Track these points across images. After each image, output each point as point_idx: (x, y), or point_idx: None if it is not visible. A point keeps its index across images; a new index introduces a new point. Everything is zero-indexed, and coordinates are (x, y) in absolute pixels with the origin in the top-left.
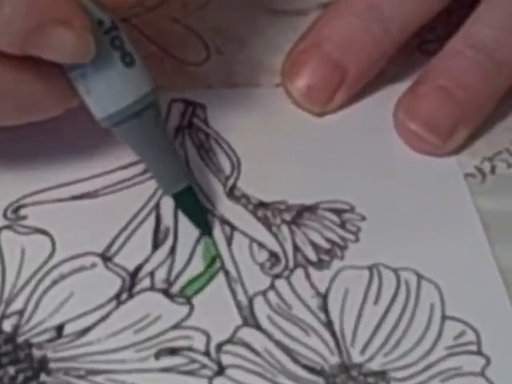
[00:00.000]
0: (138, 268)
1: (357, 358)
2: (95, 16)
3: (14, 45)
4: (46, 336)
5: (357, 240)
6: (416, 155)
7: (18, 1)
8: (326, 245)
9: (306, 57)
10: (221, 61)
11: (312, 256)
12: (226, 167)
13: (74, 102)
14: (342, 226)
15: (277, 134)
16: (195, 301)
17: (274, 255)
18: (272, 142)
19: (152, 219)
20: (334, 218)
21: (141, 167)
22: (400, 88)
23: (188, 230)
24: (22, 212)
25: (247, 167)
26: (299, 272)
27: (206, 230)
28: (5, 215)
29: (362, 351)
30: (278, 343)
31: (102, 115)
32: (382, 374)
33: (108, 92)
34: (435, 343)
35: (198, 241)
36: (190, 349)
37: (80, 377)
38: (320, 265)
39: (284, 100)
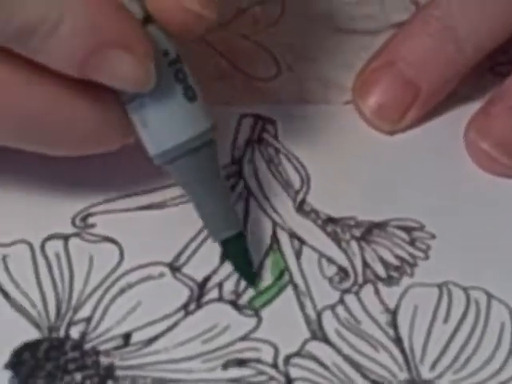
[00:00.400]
0: (207, 279)
1: (426, 374)
2: (161, 46)
3: (71, 65)
4: (113, 344)
5: (426, 258)
6: (487, 176)
7: (81, 18)
8: (395, 261)
9: (379, 75)
10: (291, 77)
11: (381, 272)
12: (296, 182)
13: (129, 137)
14: (412, 243)
15: (346, 151)
16: (263, 313)
17: (342, 270)
18: (341, 158)
19: None
20: (404, 235)
21: None
22: (471, 109)
23: (256, 242)
24: (91, 220)
25: (316, 182)
26: (368, 288)
27: (251, 281)
28: (73, 223)
29: (432, 368)
30: (346, 358)
31: (156, 151)
32: None
33: (166, 126)
34: (505, 362)
35: (266, 253)
36: (258, 360)
37: None
38: (389, 281)
39: (354, 117)
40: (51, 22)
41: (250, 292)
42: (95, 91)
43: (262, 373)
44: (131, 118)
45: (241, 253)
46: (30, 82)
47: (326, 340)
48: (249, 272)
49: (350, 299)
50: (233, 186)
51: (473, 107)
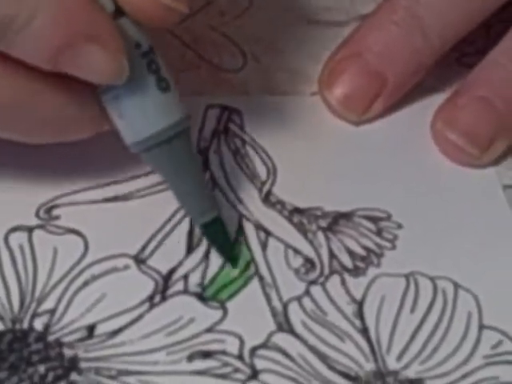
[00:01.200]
0: (172, 271)
1: (393, 365)
2: (133, 38)
3: (44, 59)
4: (77, 335)
5: (393, 248)
6: (454, 166)
7: (51, 13)
8: (362, 252)
9: (345, 65)
10: (258, 68)
11: (348, 263)
12: (262, 173)
13: (104, 126)
14: (379, 233)
15: (313, 142)
16: (229, 305)
17: (309, 261)
18: (308, 149)
19: (186, 223)
20: (371, 225)
21: None
22: (438, 100)
23: None
24: (55, 212)
25: (283, 173)
26: (335, 278)
27: (232, 262)
28: (37, 215)
29: (398, 358)
30: (312, 349)
31: (133, 140)
32: (418, 381)
33: (141, 116)
34: (472, 352)
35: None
36: (223, 352)
37: (111, 377)
38: (356, 272)
39: (320, 108)
40: (24, 18)
41: (216, 284)
42: (69, 81)
43: (227, 364)
44: (107, 109)
45: (220, 235)
46: (2, 72)
47: (292, 331)
48: (229, 253)
49: (316, 290)
50: None
51: (439, 98)
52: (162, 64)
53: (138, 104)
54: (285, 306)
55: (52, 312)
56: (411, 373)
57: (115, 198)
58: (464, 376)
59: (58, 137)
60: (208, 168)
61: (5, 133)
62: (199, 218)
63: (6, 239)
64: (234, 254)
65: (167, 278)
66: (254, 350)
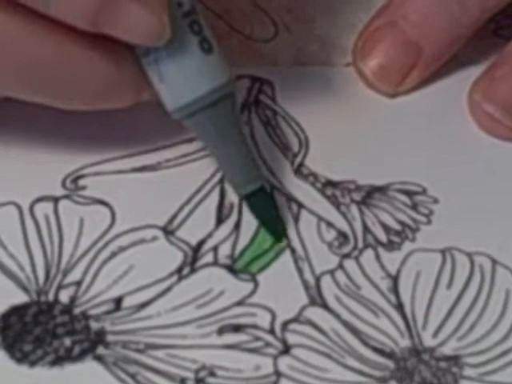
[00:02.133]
0: (201, 242)
1: (429, 341)
2: None
3: (84, 20)
4: (103, 308)
5: (429, 223)
6: (491, 139)
7: None
8: (396, 226)
9: (380, 35)
10: (289, 38)
11: (382, 237)
12: (294, 145)
13: (145, 93)
14: (414, 207)
15: (346, 114)
16: (260, 278)
17: (342, 235)
18: (341, 121)
19: (216, 194)
20: (406, 199)
21: None
22: (475, 72)
23: None
24: (81, 182)
25: (315, 145)
26: (369, 253)
27: (278, 236)
28: (63, 185)
29: (434, 335)
30: (346, 324)
31: (175, 105)
32: (455, 358)
33: (183, 79)
34: (511, 330)
35: None
36: (254, 326)
37: (139, 351)
38: (390, 246)
39: (354, 79)
40: None
41: (247, 257)
42: (109, 44)
43: (258, 339)
44: (147, 73)
45: (265, 207)
46: (40, 31)
47: (324, 306)
48: (275, 226)
49: (349, 264)
50: None
51: (477, 70)
52: (204, 24)
53: (180, 66)
54: (317, 280)
55: (78, 284)
56: (448, 350)
57: (143, 168)
58: (503, 353)
59: (97, 103)
60: None
61: (41, 95)
62: (243, 187)
63: (31, 209)
64: (279, 228)
65: (196, 249)
66: (285, 324)
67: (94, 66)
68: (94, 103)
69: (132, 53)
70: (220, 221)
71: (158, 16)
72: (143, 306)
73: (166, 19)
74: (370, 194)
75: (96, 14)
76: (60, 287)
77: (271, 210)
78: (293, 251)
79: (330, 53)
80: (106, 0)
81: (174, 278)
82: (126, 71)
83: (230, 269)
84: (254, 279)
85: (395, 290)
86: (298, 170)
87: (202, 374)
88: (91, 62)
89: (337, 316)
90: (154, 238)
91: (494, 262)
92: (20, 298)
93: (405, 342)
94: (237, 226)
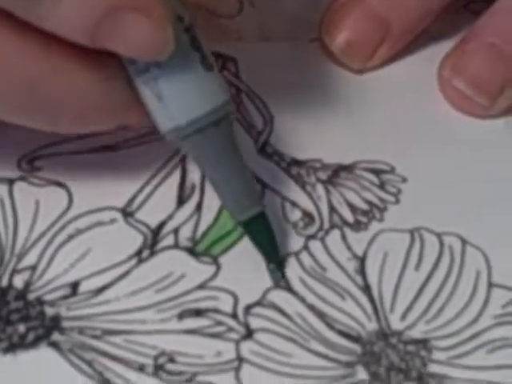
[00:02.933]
0: (161, 224)
1: (396, 324)
2: (175, 10)
3: (82, 32)
4: (59, 293)
5: (397, 202)
6: (461, 116)
7: None
8: (363, 206)
9: (348, 10)
10: (254, 13)
11: (349, 217)
12: (258, 123)
13: (132, 116)
14: (382, 186)
15: (312, 91)
16: (222, 260)
17: (307, 215)
18: (307, 98)
19: (177, 174)
20: (373, 178)
21: None
22: (445, 47)
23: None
24: (38, 163)
25: (280, 123)
26: (335, 233)
27: (276, 262)
28: (19, 166)
29: (402, 318)
30: (311, 307)
31: (170, 126)
32: (423, 342)
33: (184, 98)
34: (481, 312)
35: None
36: (216, 310)
37: (96, 337)
38: (357, 226)
39: (320, 55)
40: None
41: (208, 239)
42: (100, 60)
43: (220, 323)
44: (142, 93)
45: (264, 234)
46: (28, 45)
47: (289, 289)
48: (274, 252)
49: (315, 245)
50: None
51: (447, 45)
52: (203, 41)
53: (182, 84)
54: (282, 262)
55: (33, 268)
56: (416, 333)
57: (101, 149)
58: (473, 336)
59: (81, 125)
60: None
61: (22, 114)
62: (241, 213)
63: None
64: (277, 256)
65: (156, 231)
66: (248, 308)
67: (83, 83)
68: (77, 125)
69: (123, 72)
70: (181, 202)
71: (162, 27)
72: (101, 290)
73: (170, 31)
74: (337, 173)
75: (97, 25)
76: (14, 272)
77: (271, 237)
78: None
79: (294, 28)
80: (107, 10)
81: (133, 262)
82: (115, 91)
83: (191, 251)
84: (215, 262)
85: (362, 271)
86: (263, 149)
87: (162, 360)
88: (80, 78)
89: (301, 299)
90: (113, 221)
91: (464, 242)
92: None
93: (372, 326)
94: (198, 207)
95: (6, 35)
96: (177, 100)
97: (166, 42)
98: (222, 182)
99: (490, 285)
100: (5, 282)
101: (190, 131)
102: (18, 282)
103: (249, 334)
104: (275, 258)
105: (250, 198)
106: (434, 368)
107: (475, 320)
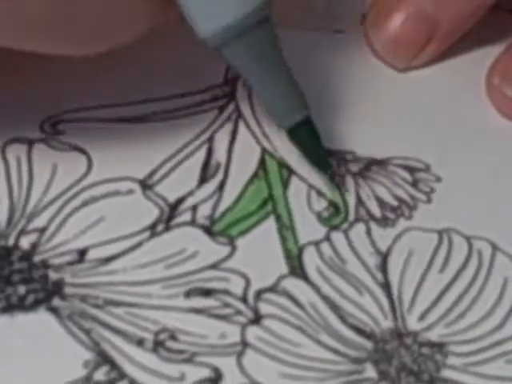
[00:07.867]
0: (180, 200)
1: (413, 325)
2: None
3: None
4: (66, 258)
5: (429, 201)
6: (507, 124)
7: None
8: (393, 202)
9: (395, 5)
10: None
11: (376, 211)
12: None
13: (168, 15)
14: (414, 184)
15: (348, 81)
16: (239, 242)
17: (333, 205)
18: (343, 88)
19: (203, 152)
20: (406, 175)
21: (198, 98)
22: (492, 51)
23: (241, 169)
24: (60, 127)
25: (315, 112)
26: (360, 226)
27: (324, 168)
28: (41, 128)
29: (420, 319)
30: (325, 298)
31: (211, 29)
32: (439, 345)
33: (220, 2)
34: (505, 320)
35: (250, 181)
36: (225, 292)
37: (97, 306)
38: (384, 222)
39: (365, 49)
40: None
41: (228, 219)
42: None
43: (228, 305)
44: None
45: (310, 139)
46: None
47: (304, 277)
48: (320, 159)
49: (337, 237)
50: (222, 106)
51: (493, 50)
52: None
53: None
54: (300, 250)
55: (42, 231)
56: (433, 335)
57: (127, 120)
58: (493, 345)
59: (109, 35)
60: (234, 98)
61: (37, 42)
62: (286, 118)
63: (3, 150)
64: (326, 160)
65: (174, 206)
66: (259, 293)
67: None
68: (103, 38)
69: None
70: (203, 180)
71: None
72: (109, 259)
73: None
74: (369, 167)
75: None
76: (22, 232)
77: (317, 141)
78: (278, 218)
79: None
80: None
81: (146, 234)
82: None
83: (208, 230)
84: (232, 243)
85: (383, 267)
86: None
87: (162, 336)
88: None
89: (316, 289)
90: (130, 191)
91: (495, 248)
92: None
93: (387, 323)
94: (221, 186)
95: None
96: (214, 2)
97: None
98: (265, 87)
99: None
100: (11, 242)
101: (229, 35)
102: (25, 243)
103: (257, 319)
104: (324, 165)
105: (296, 101)
106: (447, 373)
107: (499, 327)
